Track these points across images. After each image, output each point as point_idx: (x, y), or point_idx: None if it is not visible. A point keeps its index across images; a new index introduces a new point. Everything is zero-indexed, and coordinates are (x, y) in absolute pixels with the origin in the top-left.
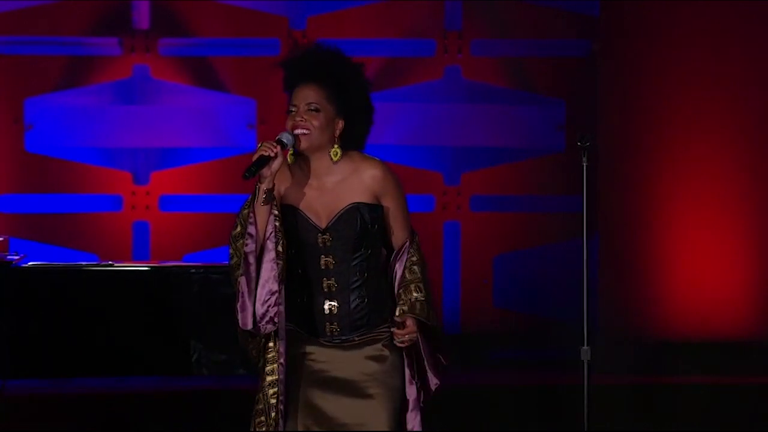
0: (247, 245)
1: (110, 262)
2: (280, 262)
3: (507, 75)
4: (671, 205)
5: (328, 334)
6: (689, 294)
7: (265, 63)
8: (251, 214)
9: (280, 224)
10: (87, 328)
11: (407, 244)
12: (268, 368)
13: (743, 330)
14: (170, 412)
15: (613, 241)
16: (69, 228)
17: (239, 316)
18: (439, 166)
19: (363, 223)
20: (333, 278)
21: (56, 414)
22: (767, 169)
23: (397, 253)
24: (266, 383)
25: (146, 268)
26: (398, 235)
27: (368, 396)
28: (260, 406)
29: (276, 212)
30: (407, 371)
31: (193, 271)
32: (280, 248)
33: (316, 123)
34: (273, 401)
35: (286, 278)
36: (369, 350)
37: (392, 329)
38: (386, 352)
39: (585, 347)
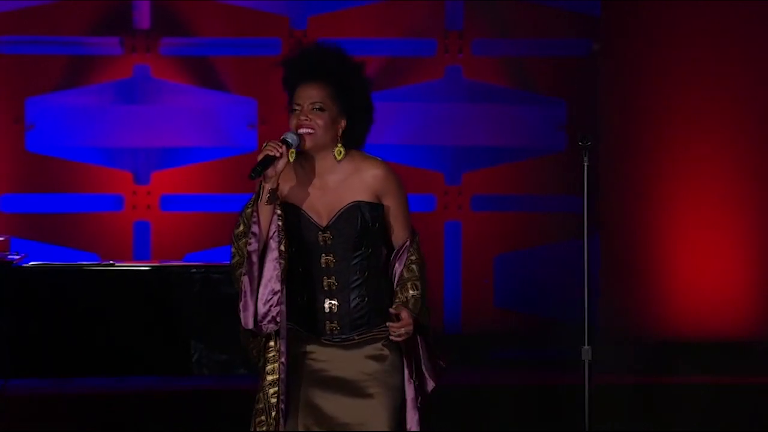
0: (250, 244)
1: (111, 262)
2: (283, 261)
3: (508, 75)
4: (672, 205)
5: (328, 332)
6: (690, 294)
7: (265, 63)
8: (255, 213)
9: (282, 224)
10: (88, 327)
11: (407, 243)
12: (269, 367)
13: (743, 330)
14: (170, 412)
15: (613, 240)
16: (70, 228)
17: (241, 316)
18: (440, 165)
19: (364, 221)
20: (333, 277)
21: (57, 414)
22: (767, 169)
23: (397, 253)
24: (267, 382)
25: (147, 268)
26: (399, 234)
27: (368, 395)
28: (261, 406)
29: (279, 212)
30: (406, 371)
31: (194, 270)
32: (282, 248)
33: (320, 122)
34: (273, 400)
35: (286, 277)
36: (369, 349)
37: (387, 324)
38: (386, 352)
39: (586, 347)
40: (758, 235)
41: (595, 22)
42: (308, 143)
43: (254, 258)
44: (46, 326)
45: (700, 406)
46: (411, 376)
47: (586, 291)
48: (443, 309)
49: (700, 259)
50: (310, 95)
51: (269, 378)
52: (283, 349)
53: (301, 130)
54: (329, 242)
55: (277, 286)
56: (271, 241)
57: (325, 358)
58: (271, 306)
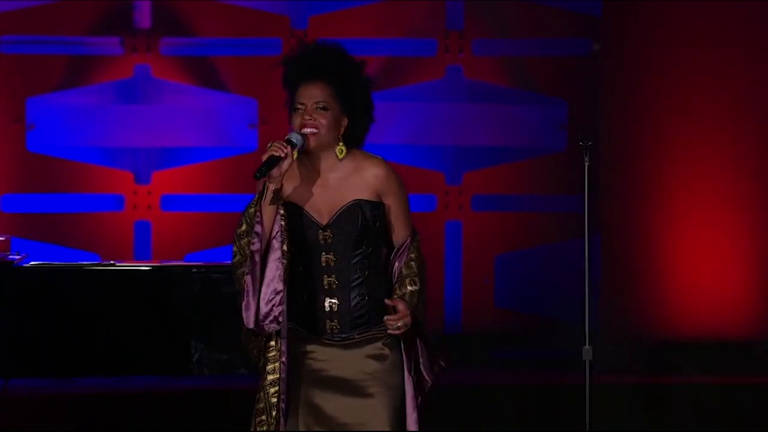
0: (253, 244)
1: (112, 262)
2: (285, 261)
3: (508, 75)
4: (672, 204)
5: (329, 331)
6: (690, 294)
7: (266, 63)
8: (258, 213)
9: (285, 223)
10: (88, 327)
11: (408, 242)
12: (270, 367)
13: (743, 330)
14: (170, 412)
15: (614, 240)
16: (70, 228)
17: (243, 315)
18: (440, 165)
19: (364, 220)
20: (334, 275)
21: (57, 414)
22: (767, 169)
23: (397, 251)
24: (267, 382)
25: (148, 268)
26: (399, 233)
27: (368, 395)
28: (261, 405)
29: (282, 211)
30: (406, 370)
31: (195, 270)
32: (285, 247)
33: (324, 121)
34: (274, 400)
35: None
36: (369, 349)
37: (385, 318)
38: (386, 351)
39: (587, 347)
40: (758, 235)
41: (596, 22)
42: (312, 143)
43: (257, 258)
44: (47, 326)
45: (700, 406)
46: (410, 373)
47: (586, 291)
48: (444, 309)
49: (700, 259)
50: (313, 94)
51: (270, 377)
52: (284, 348)
53: (305, 130)
54: (329, 241)
55: (280, 286)
56: (274, 240)
57: (326, 357)
58: (273, 306)
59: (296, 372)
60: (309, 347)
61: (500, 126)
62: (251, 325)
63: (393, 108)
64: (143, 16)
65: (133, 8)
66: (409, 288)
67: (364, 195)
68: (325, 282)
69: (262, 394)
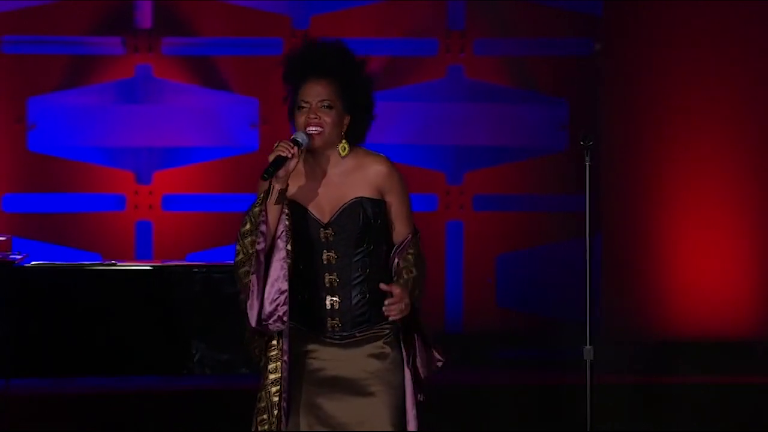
0: (258, 243)
1: (113, 262)
2: (289, 260)
3: (510, 74)
4: (673, 204)
5: (330, 329)
6: (691, 294)
7: (267, 63)
8: (263, 213)
9: (289, 223)
10: (89, 327)
11: (408, 239)
12: (271, 366)
13: (743, 330)
14: (170, 412)
15: (615, 240)
16: (71, 227)
17: (248, 315)
18: (441, 165)
19: (366, 217)
20: (335, 273)
21: (57, 414)
22: (767, 169)
23: (398, 248)
24: (269, 381)
25: (149, 268)
26: (400, 231)
27: (370, 394)
28: (263, 404)
29: (287, 211)
30: (405, 363)
31: (196, 270)
32: (289, 247)
33: (328, 120)
34: (275, 399)
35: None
36: (370, 348)
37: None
38: (387, 350)
39: (588, 347)
40: (758, 235)
41: (597, 21)
42: (317, 141)
43: (262, 257)
44: (48, 326)
45: (700, 406)
46: (408, 366)
47: (587, 291)
48: (445, 309)
49: (700, 259)
50: (318, 92)
51: (271, 377)
52: (285, 347)
53: (311, 129)
54: (331, 239)
55: (284, 286)
56: (279, 240)
57: (327, 356)
58: (277, 305)
59: (298, 371)
60: (310, 346)
61: (501, 126)
62: (255, 325)
63: (394, 108)
64: (144, 16)
65: (134, 8)
66: (405, 276)
67: (366, 192)
68: (327, 280)
69: (263, 393)
